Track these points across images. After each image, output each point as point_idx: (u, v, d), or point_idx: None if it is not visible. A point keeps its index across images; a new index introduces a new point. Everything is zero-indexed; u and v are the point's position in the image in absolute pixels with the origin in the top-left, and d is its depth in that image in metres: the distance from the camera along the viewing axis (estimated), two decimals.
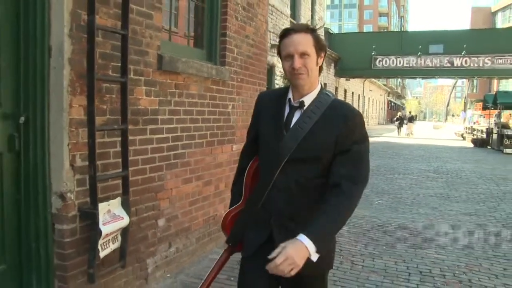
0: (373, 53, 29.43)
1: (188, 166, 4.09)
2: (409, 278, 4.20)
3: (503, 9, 67.83)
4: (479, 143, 22.17)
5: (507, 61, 27.59)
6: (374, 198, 7.97)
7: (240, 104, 4.93)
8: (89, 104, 2.78)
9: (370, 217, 6.49)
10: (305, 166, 1.89)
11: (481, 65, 28.17)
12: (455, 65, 28.59)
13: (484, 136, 22.95)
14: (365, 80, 39.00)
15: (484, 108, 26.19)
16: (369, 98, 45.81)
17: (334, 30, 52.68)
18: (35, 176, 2.77)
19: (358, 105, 39.47)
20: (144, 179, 3.50)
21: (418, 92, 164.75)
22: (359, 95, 39.52)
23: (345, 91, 33.81)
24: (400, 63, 29.46)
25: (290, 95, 1.97)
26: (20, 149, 2.75)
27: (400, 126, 35.16)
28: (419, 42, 28.74)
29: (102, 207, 2.92)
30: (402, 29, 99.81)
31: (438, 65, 28.93)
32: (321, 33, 15.58)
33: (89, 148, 2.81)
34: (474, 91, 65.93)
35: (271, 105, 2.03)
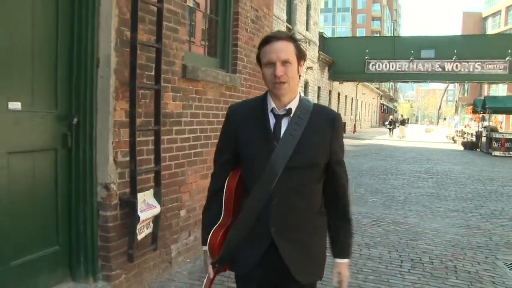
0: (366, 57, 30.03)
1: (205, 163, 4.57)
2: (401, 264, 4.70)
3: (493, 14, 68.87)
4: (469, 146, 22.85)
5: (496, 66, 28.29)
6: (369, 196, 8.49)
7: None
8: (131, 108, 3.26)
9: (365, 213, 7.00)
10: (302, 173, 1.87)
11: (471, 70, 28.83)
12: (446, 69, 29.25)
13: (474, 139, 23.60)
14: (358, 84, 39.63)
15: (474, 112, 26.87)
16: (362, 101, 46.47)
17: (328, 33, 53.41)
18: (84, 169, 3.24)
19: (351, 108, 40.11)
20: (170, 174, 3.98)
21: (411, 96, 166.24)
22: (352, 99, 40.14)
23: (339, 94, 34.40)
24: (392, 67, 30.08)
25: (272, 105, 1.91)
26: (72, 146, 3.22)
27: (392, 129, 36.04)
28: (411, 47, 29.39)
29: (140, 196, 3.40)
30: (395, 33, 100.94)
31: (429, 69, 29.59)
32: (315, 37, 16.41)
33: (130, 146, 3.29)
34: (465, 95, 66.78)
35: (250, 117, 1.95)
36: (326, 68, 29.53)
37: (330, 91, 31.04)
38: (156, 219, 3.65)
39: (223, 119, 2.03)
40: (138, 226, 3.39)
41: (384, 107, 70.96)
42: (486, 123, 23.45)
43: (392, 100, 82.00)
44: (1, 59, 2.70)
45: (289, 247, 1.88)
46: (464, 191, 9.47)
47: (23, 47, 2.86)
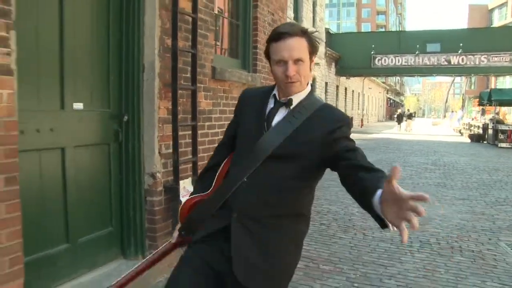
0: (372, 52, 30.39)
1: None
2: (411, 245, 5.16)
3: (500, 6, 68.64)
4: (476, 138, 23.18)
5: (502, 58, 28.53)
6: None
7: None
8: (173, 106, 3.75)
9: None
10: (283, 165, 1.75)
11: (477, 63, 29.09)
12: (452, 63, 29.54)
13: (481, 131, 23.93)
14: (364, 78, 39.96)
15: (480, 104, 27.19)
16: (368, 96, 46.79)
17: (333, 28, 53.68)
18: (133, 161, 3.73)
19: (358, 103, 40.47)
20: (202, 164, 4.47)
21: (417, 89, 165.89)
22: (359, 93, 40.49)
23: (346, 89, 34.77)
24: (398, 61, 30.42)
25: (275, 91, 1.87)
26: (122, 141, 3.71)
27: (399, 122, 36.52)
28: (417, 41, 29.71)
29: (180, 184, 3.88)
30: (400, 27, 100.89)
31: (435, 63, 29.90)
32: (321, 33, 16.87)
33: (173, 139, 3.78)
34: (472, 87, 66.72)
35: (255, 102, 1.91)
36: (333, 63, 29.92)
37: (337, 86, 31.44)
38: None
39: None
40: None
41: (391, 101, 71.19)
42: (489, 116, 23.85)
43: (398, 94, 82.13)
44: (68, 68, 3.18)
45: (243, 239, 1.74)
46: (470, 180, 9.90)
47: (83, 58, 3.35)
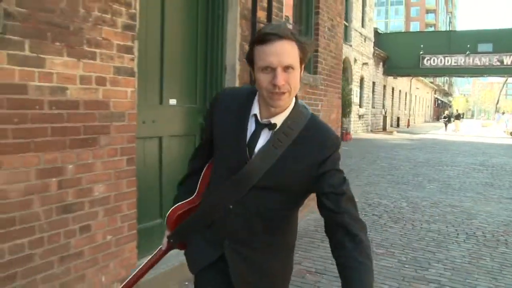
0: (421, 52, 30.23)
1: None
2: (457, 236, 5.55)
3: None
4: None
5: None
6: (426, 184, 9.27)
7: (326, 103, 6.41)
8: None
9: (423, 197, 7.82)
10: (269, 196, 1.60)
11: None
12: (505, 63, 28.99)
13: None
14: (412, 78, 39.59)
15: None
16: (415, 96, 46.24)
17: (380, 27, 53.22)
18: None
19: (405, 103, 40.13)
20: None
21: (466, 89, 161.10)
22: (406, 93, 40.15)
23: (393, 89, 34.64)
24: (448, 62, 30.12)
25: (256, 110, 1.60)
26: None
27: (447, 123, 36.15)
28: (468, 41, 29.32)
29: None
30: (450, 26, 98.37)
31: (487, 63, 29.42)
32: (370, 33, 17.20)
33: None
34: None
35: (230, 113, 1.66)
36: (381, 63, 29.95)
37: (384, 86, 31.43)
38: None
39: None
40: None
41: (439, 101, 69.75)
42: None
43: (446, 94, 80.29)
44: (166, 70, 3.81)
45: (239, 265, 1.68)
46: None
47: (177, 61, 3.98)
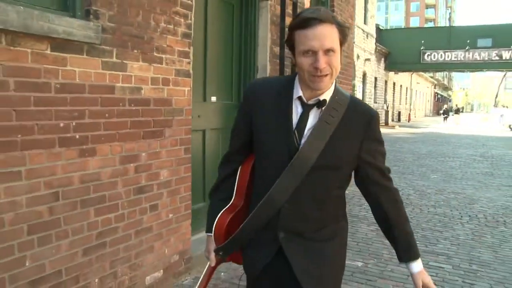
0: (422, 48, 30.75)
1: None
2: (461, 218, 6.12)
3: None
4: None
5: None
6: (430, 174, 9.84)
7: None
8: None
9: (428, 186, 8.39)
10: (323, 178, 1.62)
11: None
12: (504, 58, 29.49)
13: None
14: (412, 73, 40.11)
15: None
16: (416, 91, 46.77)
17: (381, 23, 53.65)
18: None
19: (406, 97, 40.66)
20: None
21: (466, 84, 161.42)
22: (406, 88, 40.68)
23: (394, 84, 35.16)
24: (448, 57, 30.65)
25: (299, 93, 1.60)
26: None
27: (446, 117, 36.92)
28: (467, 37, 29.84)
29: None
30: (450, 20, 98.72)
31: (486, 58, 29.93)
32: (372, 30, 17.81)
33: None
34: None
35: (270, 101, 1.65)
36: (382, 59, 30.46)
37: (386, 81, 31.95)
38: None
39: None
40: None
41: (438, 96, 70.29)
42: None
43: (446, 88, 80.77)
44: (208, 71, 4.36)
45: (299, 255, 1.67)
46: None
47: (216, 63, 4.52)
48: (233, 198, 1.77)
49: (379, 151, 1.70)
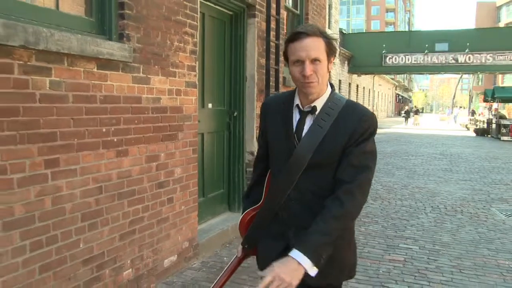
0: (383, 51, 31.95)
1: None
2: (425, 209, 6.90)
3: (508, 3, 69.46)
4: (480, 132, 24.86)
5: (507, 57, 29.95)
6: (395, 171, 10.68)
7: None
8: None
9: (395, 182, 9.20)
10: (320, 174, 1.80)
11: (483, 61, 30.49)
12: (459, 61, 30.99)
13: (485, 126, 25.55)
14: (374, 76, 41.53)
15: (485, 100, 28.78)
16: (378, 92, 48.33)
17: (342, 26, 55.07)
18: (238, 143, 5.50)
19: (369, 99, 42.05)
20: None
21: (425, 85, 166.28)
22: (369, 90, 42.07)
23: (357, 86, 36.38)
24: (408, 60, 31.94)
25: (297, 101, 1.85)
26: (230, 130, 5.48)
27: (407, 117, 38.52)
28: (426, 41, 31.22)
29: None
30: (409, 24, 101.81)
31: (443, 61, 31.37)
32: (336, 34, 18.78)
33: None
34: (480, 83, 67.72)
35: (278, 112, 1.92)
36: (346, 62, 31.54)
37: (349, 84, 33.06)
38: None
39: None
40: None
41: (400, 97, 72.58)
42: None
43: (407, 90, 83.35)
44: (205, 81, 4.94)
45: None
46: (472, 167, 11.63)
47: (211, 74, 5.11)
48: (260, 201, 2.00)
49: (361, 145, 1.78)
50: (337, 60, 28.13)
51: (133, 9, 3.39)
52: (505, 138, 21.04)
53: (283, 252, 1.77)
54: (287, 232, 1.86)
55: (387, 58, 32.21)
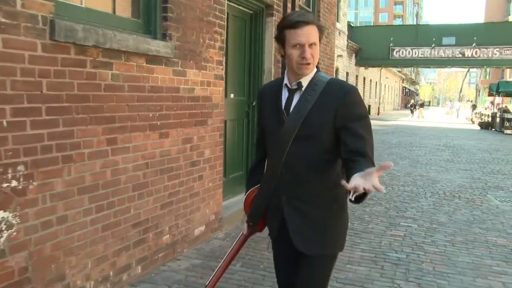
0: (390, 45, 32.35)
1: None
2: (425, 194, 7.47)
3: None
4: (485, 126, 25.33)
5: None
6: (399, 161, 11.24)
7: None
8: None
9: (398, 170, 9.77)
10: (308, 145, 1.96)
11: (490, 55, 30.79)
12: (466, 55, 31.33)
13: (490, 119, 26.00)
14: (381, 68, 41.91)
15: (490, 95, 29.16)
16: (385, 85, 48.71)
17: (351, 18, 55.29)
18: (253, 129, 6.08)
19: (376, 91, 42.48)
20: None
21: (432, 78, 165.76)
22: (376, 83, 42.48)
23: (364, 79, 36.82)
24: (415, 53, 32.32)
25: (286, 81, 2.05)
26: (249, 118, 6.06)
27: (413, 110, 39.12)
28: (433, 35, 31.56)
29: None
30: (417, 16, 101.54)
31: (450, 55, 31.71)
32: (344, 27, 19.30)
33: None
34: (488, 77, 67.66)
35: (270, 94, 2.12)
36: (353, 55, 31.95)
37: (357, 76, 33.51)
38: None
39: None
40: None
41: (406, 90, 72.86)
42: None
43: (413, 83, 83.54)
44: (228, 74, 5.51)
45: (294, 217, 2.03)
46: (473, 158, 12.18)
47: (234, 68, 5.68)
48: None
49: (355, 116, 1.94)
50: (345, 53, 28.57)
51: (174, 12, 3.96)
52: (509, 131, 21.52)
53: (282, 223, 2.06)
54: (280, 201, 2.06)
55: (395, 51, 32.60)
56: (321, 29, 1.98)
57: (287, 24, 1.95)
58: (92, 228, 3.25)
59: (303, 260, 2.07)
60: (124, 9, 3.74)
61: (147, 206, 3.81)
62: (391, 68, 47.08)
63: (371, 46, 32.37)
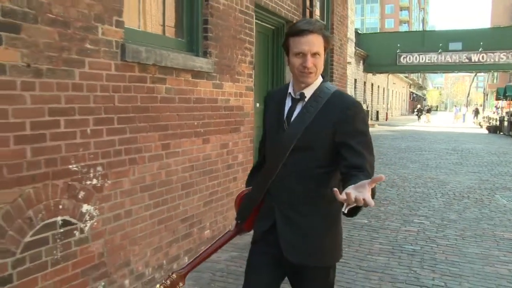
0: (397, 51, 32.80)
1: None
2: (436, 195, 7.94)
3: None
4: (493, 130, 25.69)
5: None
6: (410, 164, 11.71)
7: None
8: None
9: (409, 173, 10.24)
10: (304, 157, 1.96)
11: (497, 60, 31.10)
12: (472, 60, 31.68)
13: (498, 123, 26.36)
14: (389, 74, 42.36)
15: (497, 99, 29.51)
16: (392, 91, 49.13)
17: (357, 25, 55.80)
18: None
19: (383, 97, 42.92)
20: None
21: (439, 83, 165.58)
22: (383, 88, 42.93)
23: (372, 85, 37.30)
24: (422, 59, 32.72)
25: (290, 89, 2.05)
26: None
27: (419, 116, 39.80)
28: (440, 40, 31.97)
29: None
30: (423, 22, 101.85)
31: (457, 60, 32.07)
32: (352, 34, 19.90)
33: None
34: (495, 81, 67.74)
35: (275, 101, 2.13)
36: (361, 61, 32.46)
37: (364, 82, 34.01)
38: None
39: None
40: None
41: (414, 95, 73.15)
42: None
43: (421, 88, 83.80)
44: (256, 87, 6.03)
45: (285, 225, 2.01)
46: (482, 161, 12.61)
47: (260, 78, 6.20)
48: None
49: (356, 132, 1.92)
50: (353, 60, 29.07)
51: (213, 32, 4.50)
52: None
53: (272, 227, 2.05)
54: (274, 208, 2.06)
55: (402, 57, 33.05)
56: (327, 39, 1.97)
57: (292, 32, 1.96)
58: (151, 222, 3.77)
59: (295, 274, 2.11)
60: (171, 31, 4.29)
61: (193, 204, 4.33)
62: (398, 74, 47.49)
63: (378, 52, 32.85)
